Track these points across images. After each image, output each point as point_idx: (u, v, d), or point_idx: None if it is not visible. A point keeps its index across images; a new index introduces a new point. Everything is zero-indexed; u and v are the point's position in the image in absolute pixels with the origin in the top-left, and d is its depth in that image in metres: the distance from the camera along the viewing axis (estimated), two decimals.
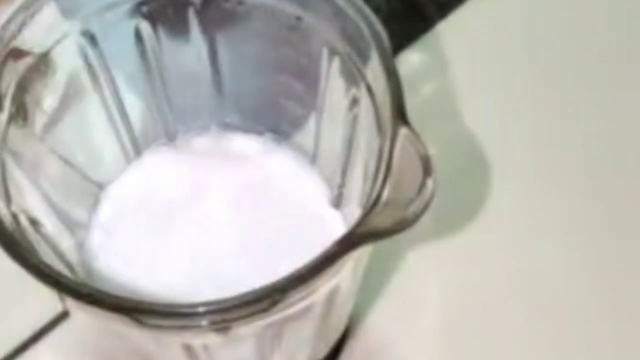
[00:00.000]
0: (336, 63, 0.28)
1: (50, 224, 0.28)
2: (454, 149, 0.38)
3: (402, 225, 0.23)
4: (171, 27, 0.30)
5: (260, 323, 0.23)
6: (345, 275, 0.25)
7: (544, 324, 0.35)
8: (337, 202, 0.32)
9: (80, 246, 0.31)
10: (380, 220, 0.23)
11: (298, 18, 0.28)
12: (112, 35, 0.29)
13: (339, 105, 0.29)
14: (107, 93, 0.31)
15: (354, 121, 0.29)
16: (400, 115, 0.24)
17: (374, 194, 0.23)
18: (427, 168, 0.23)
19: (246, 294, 0.22)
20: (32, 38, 0.27)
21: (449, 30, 0.42)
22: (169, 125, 0.33)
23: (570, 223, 0.37)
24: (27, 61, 0.27)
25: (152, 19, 0.30)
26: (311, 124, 0.32)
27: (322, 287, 0.24)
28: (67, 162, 0.30)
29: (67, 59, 0.28)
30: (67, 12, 0.28)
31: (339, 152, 0.30)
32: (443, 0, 0.42)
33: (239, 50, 0.31)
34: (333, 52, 0.28)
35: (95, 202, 0.32)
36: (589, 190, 0.38)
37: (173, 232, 0.31)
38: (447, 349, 0.34)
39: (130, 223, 0.32)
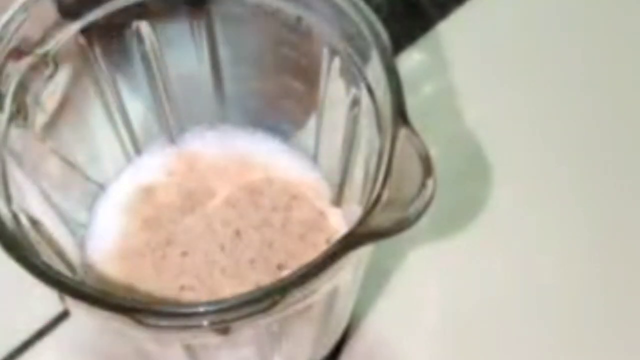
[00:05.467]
0: (337, 63, 0.28)
1: (50, 224, 0.28)
2: (454, 149, 0.38)
3: (402, 225, 0.23)
4: (171, 27, 0.30)
5: (260, 323, 0.23)
6: (345, 275, 0.25)
7: (544, 324, 0.35)
8: (338, 200, 0.32)
9: (80, 246, 0.31)
10: (381, 220, 0.23)
11: (298, 18, 0.28)
12: (112, 35, 0.29)
13: (340, 105, 0.29)
14: (107, 93, 0.31)
15: (354, 121, 0.29)
16: (400, 115, 0.24)
17: (375, 194, 0.23)
18: (427, 168, 0.23)
19: (246, 294, 0.22)
20: (32, 38, 0.27)
21: (449, 30, 0.42)
22: (169, 125, 0.33)
23: (570, 223, 0.37)
24: (27, 61, 0.27)
25: (152, 19, 0.30)
26: (312, 123, 0.32)
27: (323, 287, 0.24)
28: (67, 162, 0.30)
29: (67, 59, 0.28)
30: (66, 12, 0.28)
31: (340, 151, 0.30)
32: (443, 0, 0.42)
33: (240, 50, 0.31)
34: (333, 52, 0.28)
35: (95, 202, 0.32)
36: (588, 190, 0.38)
37: (174, 232, 0.31)
38: (447, 349, 0.34)
39: (130, 223, 0.32)
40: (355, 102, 0.28)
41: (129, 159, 0.33)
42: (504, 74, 0.41)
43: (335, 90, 0.29)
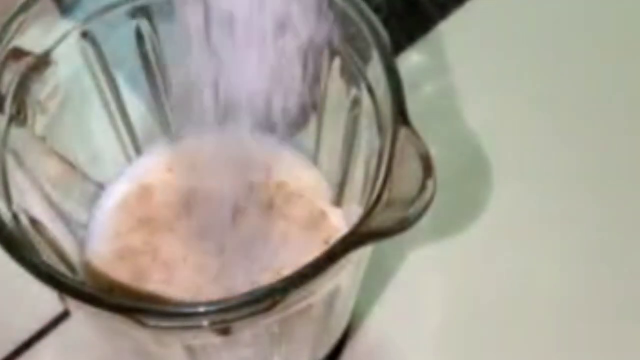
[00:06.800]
0: (337, 63, 0.28)
1: (50, 224, 0.28)
2: (454, 149, 0.38)
3: (402, 226, 0.23)
4: (171, 27, 0.30)
5: (260, 323, 0.23)
6: (345, 275, 0.25)
7: (544, 324, 0.35)
8: (338, 200, 0.32)
9: (80, 246, 0.31)
10: (381, 220, 0.23)
11: None
12: (112, 35, 0.29)
13: (340, 106, 0.29)
14: (108, 93, 0.31)
15: (354, 121, 0.29)
16: (400, 115, 0.24)
17: (375, 194, 0.23)
18: (427, 168, 0.23)
19: (246, 294, 0.22)
20: (32, 38, 0.27)
21: (449, 30, 0.42)
22: (169, 125, 0.33)
23: (570, 223, 0.37)
24: (27, 61, 0.27)
25: (153, 18, 0.30)
26: (312, 124, 0.32)
27: (323, 287, 0.24)
28: (67, 162, 0.30)
29: (67, 59, 0.28)
30: (66, 12, 0.28)
31: (340, 151, 0.30)
32: (443, 0, 0.42)
33: (240, 50, 0.31)
34: (334, 52, 0.28)
35: (95, 202, 0.32)
36: (588, 190, 0.38)
37: (174, 232, 0.31)
38: (447, 349, 0.34)
39: (129, 222, 0.32)
40: (355, 102, 0.28)
41: (129, 159, 0.33)
42: (504, 74, 0.41)
43: (335, 91, 0.29)
